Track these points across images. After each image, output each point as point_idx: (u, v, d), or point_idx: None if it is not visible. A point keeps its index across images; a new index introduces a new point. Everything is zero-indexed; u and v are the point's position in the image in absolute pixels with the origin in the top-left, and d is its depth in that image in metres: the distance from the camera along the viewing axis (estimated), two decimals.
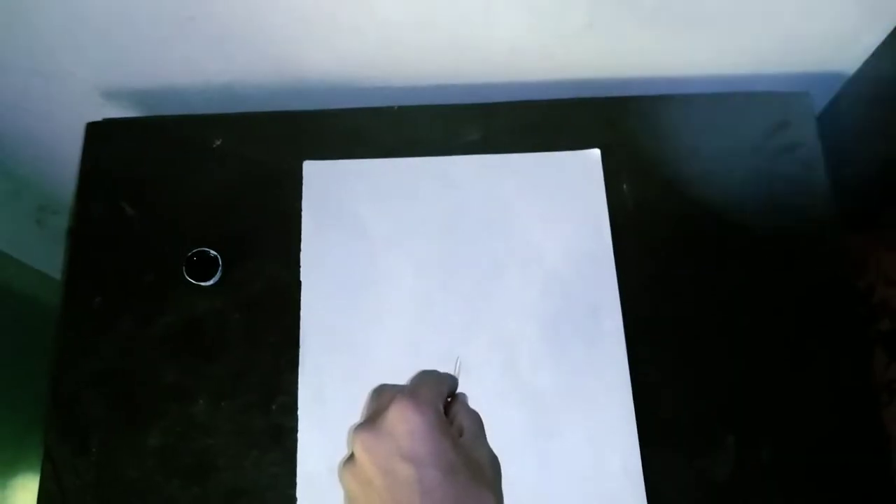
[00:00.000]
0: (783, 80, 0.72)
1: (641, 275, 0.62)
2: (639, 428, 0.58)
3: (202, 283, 0.62)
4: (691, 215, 0.65)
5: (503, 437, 0.45)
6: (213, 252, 0.62)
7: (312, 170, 0.66)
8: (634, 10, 0.62)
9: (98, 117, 0.69)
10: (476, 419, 0.44)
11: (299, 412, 0.59)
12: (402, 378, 0.48)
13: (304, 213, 0.65)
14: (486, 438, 0.43)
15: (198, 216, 0.65)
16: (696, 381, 0.60)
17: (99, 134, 0.68)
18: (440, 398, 0.42)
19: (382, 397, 0.42)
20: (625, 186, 0.65)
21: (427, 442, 0.38)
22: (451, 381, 0.46)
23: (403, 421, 0.38)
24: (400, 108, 0.68)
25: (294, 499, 0.56)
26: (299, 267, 0.63)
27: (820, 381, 0.60)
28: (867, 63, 0.68)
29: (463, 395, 0.47)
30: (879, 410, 0.59)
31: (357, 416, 0.57)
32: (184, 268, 0.61)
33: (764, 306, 0.62)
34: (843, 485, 0.57)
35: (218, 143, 0.67)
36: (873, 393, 0.60)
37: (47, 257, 0.97)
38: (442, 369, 0.47)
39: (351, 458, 0.40)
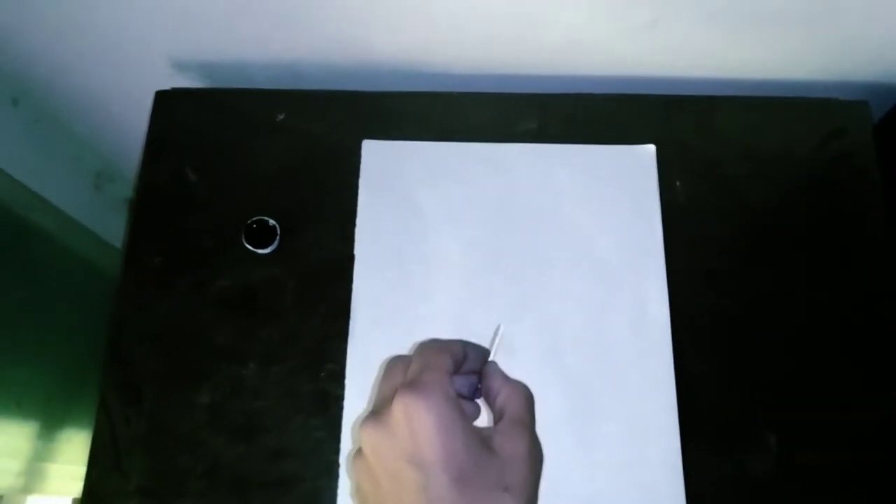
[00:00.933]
0: (842, 87, 0.72)
1: (690, 270, 0.63)
2: (680, 421, 0.58)
3: (260, 251, 0.63)
4: (743, 215, 0.65)
5: (542, 418, 0.42)
6: (272, 221, 0.64)
7: (371, 148, 0.68)
8: (699, 9, 0.63)
9: (166, 87, 0.71)
10: (520, 398, 0.38)
11: (346, 380, 0.60)
12: None
13: (360, 190, 0.66)
14: (530, 421, 0.38)
15: (258, 186, 0.67)
16: (740, 378, 0.60)
17: (167, 102, 0.71)
18: (446, 376, 0.36)
19: (387, 383, 0.38)
20: (677, 183, 0.66)
21: (434, 443, 0.33)
22: (457, 349, 0.39)
23: (407, 420, 0.34)
24: (459, 94, 0.70)
25: (337, 464, 0.58)
26: (353, 241, 0.64)
27: (865, 386, 0.60)
28: None
29: (494, 365, 0.41)
30: None
31: None
32: (243, 235, 0.63)
33: (812, 309, 0.62)
34: (884, 491, 0.57)
35: (281, 117, 0.69)
36: None
37: (102, 223, 1.00)
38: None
39: (360, 451, 0.37)
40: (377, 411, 0.36)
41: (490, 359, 0.41)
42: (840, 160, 0.67)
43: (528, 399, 0.39)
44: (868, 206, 0.65)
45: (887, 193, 0.65)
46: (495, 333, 0.43)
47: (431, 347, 0.38)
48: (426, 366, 0.36)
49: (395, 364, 0.39)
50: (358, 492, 0.37)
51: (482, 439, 0.35)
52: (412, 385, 0.35)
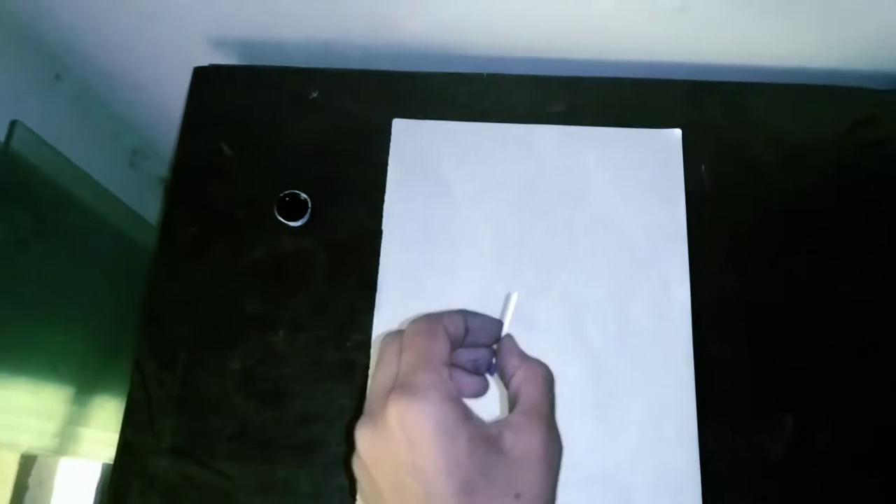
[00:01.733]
0: (872, 77, 0.71)
1: (713, 253, 0.64)
2: (698, 401, 0.59)
3: (291, 223, 0.65)
4: (768, 200, 0.65)
5: (562, 392, 0.39)
6: (303, 195, 0.65)
7: (401, 127, 0.69)
8: None
9: (203, 64, 0.73)
10: (537, 382, 0.35)
11: (372, 350, 0.62)
12: None
13: (389, 167, 0.68)
14: (548, 409, 0.34)
15: (291, 161, 0.69)
16: (759, 359, 0.61)
17: (204, 78, 0.73)
18: (443, 369, 0.33)
19: (380, 373, 0.35)
20: (703, 167, 0.66)
21: (433, 452, 0.30)
22: (454, 325, 0.36)
23: (403, 429, 0.31)
24: (489, 75, 0.71)
25: None
26: (382, 216, 0.66)
27: (884, 373, 0.60)
28: None
29: (510, 341, 0.38)
30: None
31: None
32: (275, 207, 0.65)
33: (834, 295, 0.62)
34: None
35: (315, 94, 0.71)
36: None
37: (136, 199, 1.02)
38: (512, 324, 0.39)
39: (359, 456, 0.34)
40: (372, 413, 0.33)
41: (504, 331, 0.39)
42: (870, 148, 0.67)
43: (546, 382, 0.35)
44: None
45: None
46: (507, 301, 0.39)
47: (423, 332, 0.35)
48: (419, 360, 0.33)
49: (388, 347, 0.36)
50: (362, 493, 0.35)
51: (489, 439, 0.32)
52: (405, 388, 0.32)
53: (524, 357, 0.37)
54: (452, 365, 0.36)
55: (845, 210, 0.65)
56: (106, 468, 1.04)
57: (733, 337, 0.61)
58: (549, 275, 0.63)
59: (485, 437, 0.32)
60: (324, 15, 0.72)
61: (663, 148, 0.67)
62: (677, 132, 0.67)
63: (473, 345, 0.38)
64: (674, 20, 0.67)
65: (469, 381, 0.37)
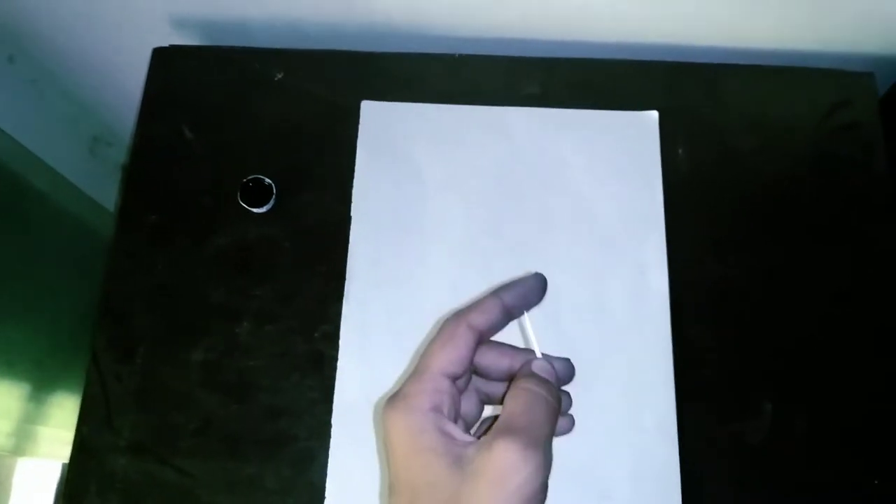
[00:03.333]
0: (848, 59, 0.71)
1: (691, 238, 0.62)
2: (677, 387, 0.58)
3: (255, 210, 0.63)
4: (745, 183, 0.64)
5: None
6: (267, 180, 0.63)
7: (370, 109, 0.67)
8: None
9: (165, 44, 0.70)
10: (528, 399, 0.34)
11: (341, 342, 0.60)
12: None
13: (358, 151, 0.65)
14: (534, 433, 0.32)
15: (256, 145, 0.66)
16: (737, 346, 0.60)
17: (164, 59, 0.70)
18: (438, 380, 0.34)
19: (424, 354, 0.35)
20: (680, 150, 0.65)
21: (399, 463, 0.32)
22: (486, 317, 0.36)
23: (387, 437, 0.33)
24: (461, 56, 0.69)
25: (329, 424, 0.57)
26: (350, 202, 0.64)
27: (862, 358, 0.59)
28: None
29: (528, 361, 0.37)
30: None
31: (397, 350, 0.58)
32: (239, 193, 0.62)
33: (811, 280, 0.61)
34: (876, 461, 0.57)
35: (280, 76, 0.68)
36: None
37: (97, 187, 0.99)
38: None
39: None
40: (399, 394, 0.34)
41: (537, 352, 0.37)
42: (845, 131, 0.66)
43: (540, 402, 0.34)
44: (872, 176, 0.64)
45: (892, 165, 0.64)
46: (523, 329, 0.39)
47: (438, 338, 0.35)
48: (418, 367, 0.34)
49: (444, 329, 0.36)
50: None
51: (456, 455, 0.31)
52: (392, 400, 0.34)
53: (530, 374, 0.35)
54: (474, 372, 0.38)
55: (823, 194, 0.64)
56: (65, 468, 1.01)
57: (712, 322, 0.60)
58: (522, 260, 0.61)
59: (450, 452, 0.32)
60: None
61: (640, 130, 0.65)
62: (654, 114, 0.66)
63: (521, 314, 0.38)
64: (652, 1, 0.65)
65: (493, 388, 0.39)
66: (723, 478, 0.56)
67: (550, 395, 0.34)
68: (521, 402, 0.34)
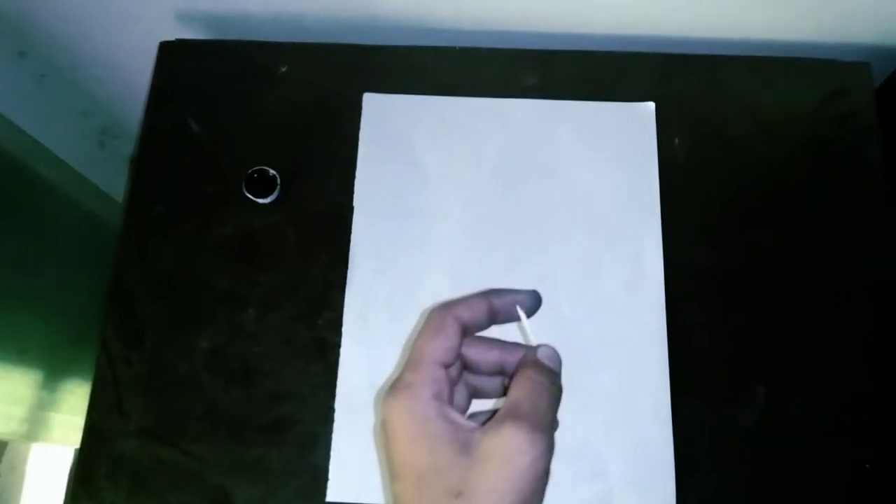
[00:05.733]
0: (844, 50, 0.71)
1: (686, 226, 0.63)
2: (672, 373, 0.59)
3: (260, 200, 0.64)
4: (740, 173, 0.65)
5: None
6: (272, 171, 0.64)
7: (372, 101, 0.68)
8: None
9: (170, 38, 0.72)
10: (532, 386, 0.35)
11: (344, 328, 0.61)
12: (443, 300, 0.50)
13: (360, 142, 0.67)
14: (537, 417, 0.33)
15: (260, 137, 0.67)
16: (731, 331, 0.61)
17: (171, 53, 0.71)
18: (435, 369, 0.35)
19: (414, 347, 0.36)
20: (676, 141, 0.66)
21: (401, 450, 0.33)
22: (472, 313, 0.37)
23: (389, 427, 0.34)
24: (462, 48, 0.70)
25: (332, 409, 0.59)
26: (353, 192, 0.65)
27: (855, 344, 0.60)
28: None
29: (528, 352, 0.37)
30: None
31: (399, 337, 0.60)
32: (244, 184, 0.64)
33: (806, 267, 0.62)
34: (868, 444, 0.58)
35: (284, 69, 0.70)
36: None
37: (106, 179, 1.01)
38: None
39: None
40: (400, 383, 0.35)
41: (533, 342, 0.38)
42: (841, 120, 0.67)
43: (542, 390, 0.35)
44: (868, 166, 0.65)
45: (887, 155, 0.65)
46: (520, 324, 0.39)
47: (426, 330, 0.36)
48: (412, 358, 0.35)
49: (432, 320, 0.36)
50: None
51: (462, 440, 0.32)
52: (394, 385, 0.34)
53: (533, 363, 0.36)
54: (464, 367, 0.38)
55: (818, 182, 0.65)
56: (77, 453, 1.03)
57: (706, 309, 0.61)
58: (522, 250, 0.63)
59: (457, 438, 0.33)
60: None
61: (637, 122, 0.66)
62: (650, 105, 0.67)
63: (506, 321, 0.39)
64: None
65: (480, 381, 0.39)
66: (716, 460, 0.58)
67: (553, 383, 0.36)
68: (525, 389, 0.35)
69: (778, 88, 0.68)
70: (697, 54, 0.69)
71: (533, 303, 0.39)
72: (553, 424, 0.35)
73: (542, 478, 0.32)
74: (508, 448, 0.32)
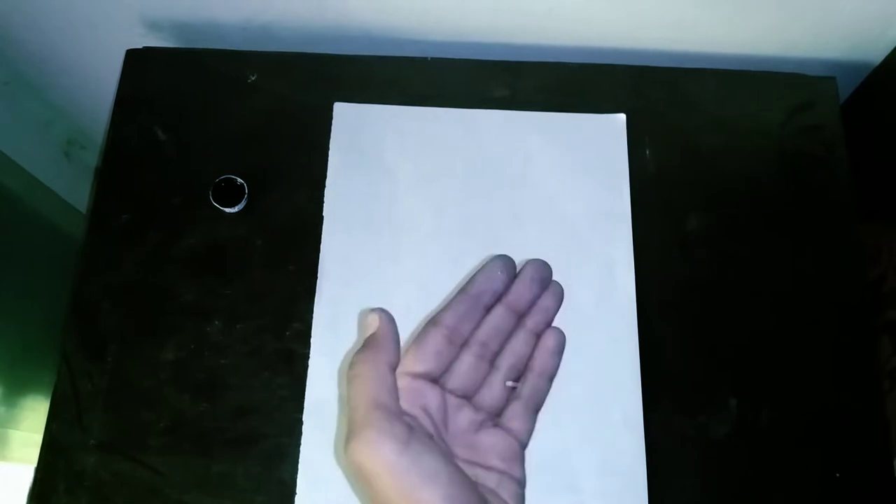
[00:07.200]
0: (810, 64, 0.72)
1: (657, 237, 0.63)
2: (644, 384, 0.59)
3: (227, 209, 0.63)
4: (710, 183, 0.66)
5: None
6: (239, 180, 0.63)
7: (342, 111, 0.67)
8: None
9: (138, 46, 0.71)
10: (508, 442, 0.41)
11: (312, 339, 0.60)
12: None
13: (330, 152, 0.66)
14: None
15: (228, 146, 0.67)
16: (703, 343, 0.61)
17: (138, 61, 0.70)
18: (382, 404, 0.35)
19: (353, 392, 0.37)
20: (647, 152, 0.66)
21: (393, 489, 0.32)
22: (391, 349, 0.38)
23: (364, 474, 0.33)
24: (433, 59, 0.70)
25: (300, 422, 0.58)
26: (322, 202, 0.64)
27: (824, 356, 0.61)
28: (893, 53, 0.70)
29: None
30: (880, 388, 0.60)
31: None
32: (211, 193, 0.63)
33: (776, 279, 0.63)
34: (838, 454, 0.58)
35: (253, 78, 0.69)
36: (875, 374, 0.60)
37: (72, 190, 0.99)
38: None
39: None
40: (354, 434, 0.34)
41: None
42: (808, 133, 0.67)
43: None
44: (833, 179, 0.66)
45: (853, 168, 0.66)
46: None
47: (353, 375, 0.38)
48: (358, 402, 0.36)
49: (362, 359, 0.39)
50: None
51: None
52: (353, 435, 0.34)
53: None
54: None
55: (786, 193, 0.66)
56: None
57: (679, 320, 0.61)
58: None
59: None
60: None
61: (607, 133, 0.67)
62: (621, 117, 0.67)
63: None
64: (619, 5, 0.67)
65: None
66: (688, 471, 0.57)
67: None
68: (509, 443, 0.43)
69: (746, 101, 0.69)
70: (667, 67, 0.70)
71: (506, 263, 0.42)
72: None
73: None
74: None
